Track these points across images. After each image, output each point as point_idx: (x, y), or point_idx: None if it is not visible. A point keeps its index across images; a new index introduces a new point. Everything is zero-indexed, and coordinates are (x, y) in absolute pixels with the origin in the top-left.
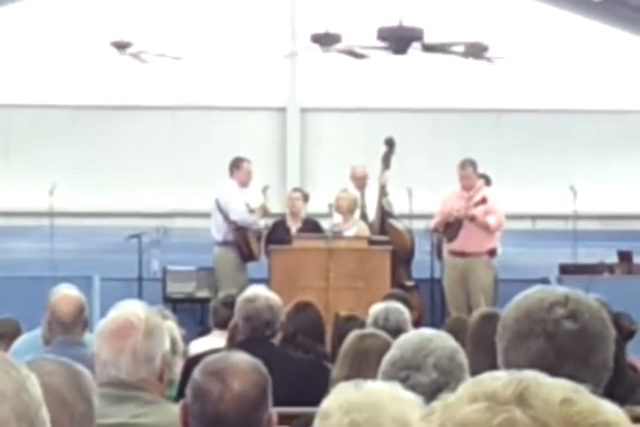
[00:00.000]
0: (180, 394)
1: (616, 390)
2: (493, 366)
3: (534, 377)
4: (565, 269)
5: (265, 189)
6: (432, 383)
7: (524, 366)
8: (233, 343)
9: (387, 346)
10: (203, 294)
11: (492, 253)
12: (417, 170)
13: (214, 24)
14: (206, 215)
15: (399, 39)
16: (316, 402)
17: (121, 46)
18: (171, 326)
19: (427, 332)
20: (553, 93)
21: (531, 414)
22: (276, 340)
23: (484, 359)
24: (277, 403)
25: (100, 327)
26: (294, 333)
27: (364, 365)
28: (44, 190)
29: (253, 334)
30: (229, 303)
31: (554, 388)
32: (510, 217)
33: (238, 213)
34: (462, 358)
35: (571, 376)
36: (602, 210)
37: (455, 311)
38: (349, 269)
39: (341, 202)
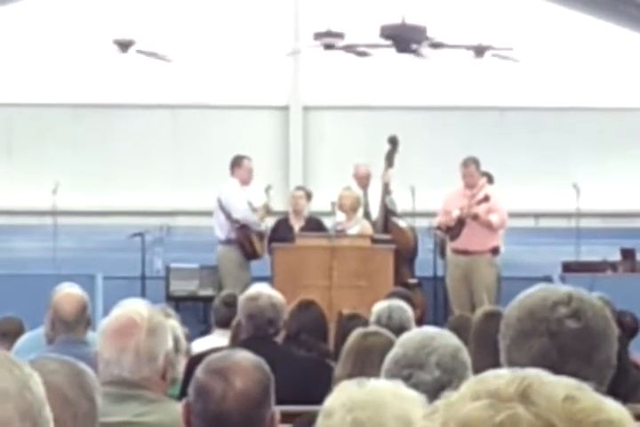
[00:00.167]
0: (183, 393)
1: (619, 388)
2: (496, 365)
3: (537, 375)
4: (568, 267)
5: (268, 189)
6: (435, 382)
7: (526, 364)
8: (236, 342)
9: (390, 344)
10: (206, 292)
11: (495, 251)
12: (420, 168)
13: (217, 22)
14: (209, 214)
15: (402, 37)
16: (318, 400)
17: (123, 44)
18: (173, 325)
19: (429, 330)
20: (556, 91)
21: (534, 411)
22: (279, 338)
23: (486, 357)
24: (280, 401)
25: (102, 326)
26: (297, 331)
27: (367, 363)
28: (47, 189)
29: (256, 333)
30: (231, 303)
31: (557, 385)
32: (513, 215)
33: (240, 212)
34: (465, 356)
35: (574, 375)
36: (605, 208)
37: (458, 309)
38: (352, 267)
39: (344, 200)
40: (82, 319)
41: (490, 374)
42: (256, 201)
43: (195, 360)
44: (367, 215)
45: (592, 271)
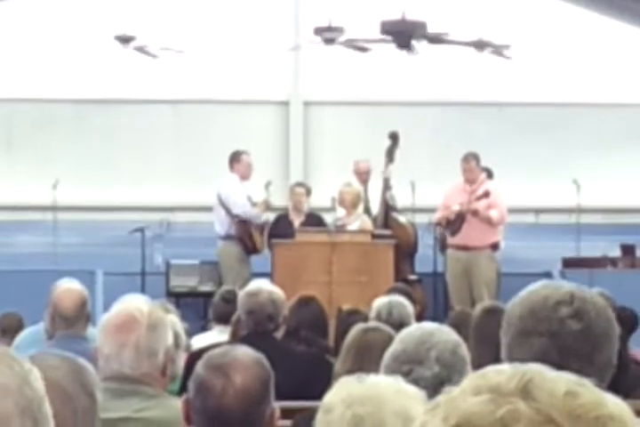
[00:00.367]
0: (183, 388)
1: (619, 384)
2: (496, 360)
3: (538, 370)
4: (568, 263)
5: (268, 185)
6: (434, 377)
7: (527, 363)
8: (236, 337)
9: (390, 340)
10: (206, 287)
11: (495, 246)
12: (420, 163)
13: (217, 17)
14: (209, 209)
15: (402, 33)
16: (318, 396)
17: (124, 40)
18: (173, 320)
19: (428, 325)
20: (556, 87)
21: (534, 406)
22: (279, 334)
23: (486, 353)
24: (280, 397)
25: (102, 322)
26: (297, 327)
27: (368, 358)
28: (48, 184)
29: (256, 328)
30: (230, 299)
31: (558, 381)
32: (513, 211)
33: (240, 207)
34: (464, 351)
35: (574, 375)
36: (605, 203)
37: (458, 305)
38: (352, 263)
39: (345, 196)
40: (82, 315)
41: (491, 370)
42: (255, 196)
43: (194, 356)
44: (367, 211)
45: (592, 267)
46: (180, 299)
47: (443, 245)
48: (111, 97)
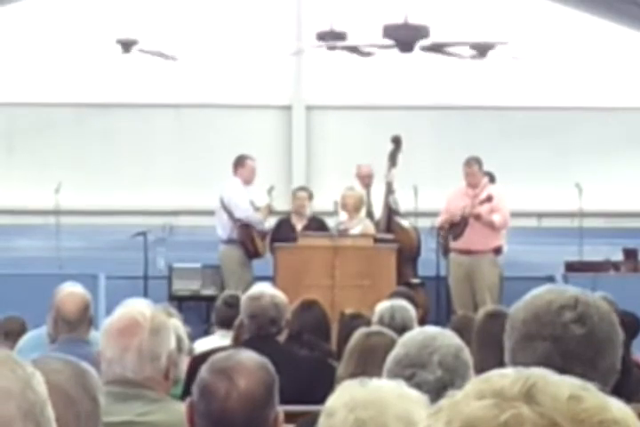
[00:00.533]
0: (186, 392)
1: (623, 388)
2: (499, 364)
3: (542, 374)
4: (571, 267)
5: (270, 190)
6: (437, 381)
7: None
8: (238, 341)
9: (393, 344)
10: (208, 291)
11: (498, 250)
12: (423, 168)
13: (220, 22)
14: (212, 213)
15: (405, 37)
16: (321, 400)
17: (126, 44)
18: (176, 324)
19: (431, 329)
20: (559, 91)
21: (538, 410)
22: (282, 338)
23: (489, 357)
24: (283, 401)
25: (105, 325)
26: (300, 331)
27: (370, 362)
28: (50, 188)
29: (259, 332)
30: (232, 303)
31: (562, 385)
32: (516, 215)
33: (243, 211)
34: (467, 355)
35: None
36: (607, 207)
37: (461, 309)
38: (355, 267)
39: (347, 200)
40: (84, 319)
41: (494, 374)
42: (258, 201)
43: (197, 360)
44: (370, 215)
45: (595, 271)
46: (182, 303)
47: (445, 249)
48: (112, 101)
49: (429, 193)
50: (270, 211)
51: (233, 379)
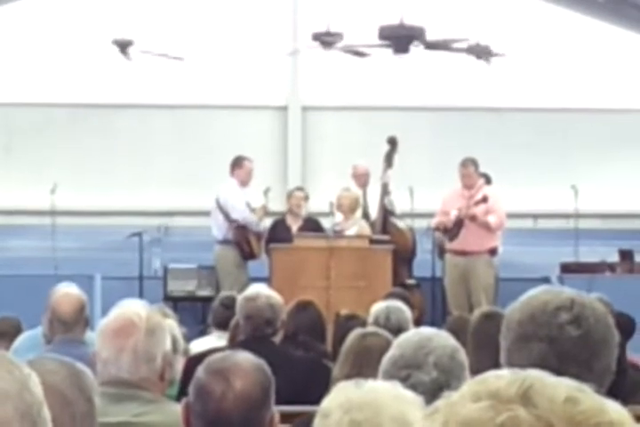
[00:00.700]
0: (181, 393)
1: (618, 390)
2: (494, 365)
3: (538, 376)
4: (567, 268)
5: (267, 191)
6: (432, 382)
7: (526, 368)
8: (234, 342)
9: (388, 345)
10: (204, 292)
11: (493, 251)
12: (418, 168)
13: (216, 22)
14: (207, 214)
15: (400, 38)
16: (316, 401)
17: (122, 44)
18: (171, 325)
19: (426, 331)
20: (555, 92)
21: (534, 412)
22: (277, 339)
23: (484, 358)
24: (278, 402)
25: (101, 326)
26: (295, 331)
27: (366, 364)
28: (46, 189)
29: (254, 333)
30: (229, 304)
31: (558, 387)
32: (511, 216)
33: (240, 212)
34: (463, 356)
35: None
36: (603, 208)
37: (456, 310)
38: (350, 268)
39: (343, 201)
40: (80, 319)
41: (491, 375)
42: (254, 202)
43: (192, 361)
44: (366, 216)
45: (590, 272)
46: (177, 303)
47: (441, 251)
48: (109, 102)
49: (425, 194)
50: (266, 212)
51: (229, 380)
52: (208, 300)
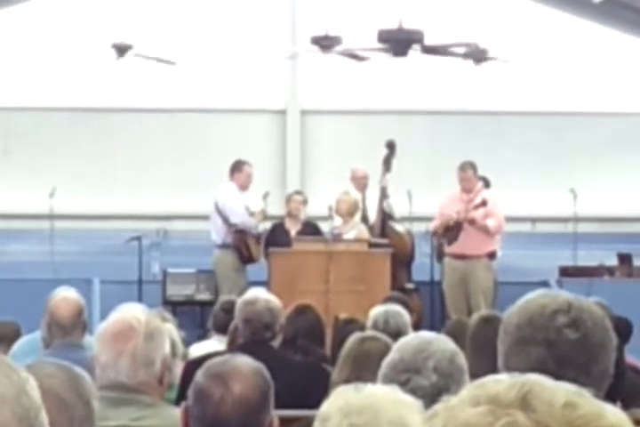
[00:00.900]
0: (180, 397)
1: (617, 393)
2: (493, 369)
3: (537, 380)
4: (565, 272)
5: (265, 196)
6: (432, 386)
7: (524, 372)
8: (233, 346)
9: (387, 349)
10: (203, 296)
11: (492, 255)
12: (417, 172)
13: (214, 26)
14: (206, 218)
15: (399, 41)
16: (315, 405)
17: (121, 49)
18: (170, 329)
19: (426, 335)
20: (553, 96)
21: (533, 417)
22: (276, 343)
23: (483, 362)
24: (277, 406)
25: (99, 330)
26: (294, 335)
27: (365, 368)
28: (44, 193)
29: (253, 337)
30: (229, 309)
31: (557, 391)
32: (510, 219)
33: (239, 216)
34: (462, 360)
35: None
36: (602, 212)
37: (455, 314)
38: (349, 272)
39: (341, 205)
40: (78, 323)
41: (490, 379)
42: (253, 206)
43: (192, 365)
44: (365, 219)
45: (589, 276)
46: (176, 307)
47: (440, 254)
48: (108, 106)
49: (423, 198)
50: (265, 216)
51: (228, 384)
52: (207, 304)
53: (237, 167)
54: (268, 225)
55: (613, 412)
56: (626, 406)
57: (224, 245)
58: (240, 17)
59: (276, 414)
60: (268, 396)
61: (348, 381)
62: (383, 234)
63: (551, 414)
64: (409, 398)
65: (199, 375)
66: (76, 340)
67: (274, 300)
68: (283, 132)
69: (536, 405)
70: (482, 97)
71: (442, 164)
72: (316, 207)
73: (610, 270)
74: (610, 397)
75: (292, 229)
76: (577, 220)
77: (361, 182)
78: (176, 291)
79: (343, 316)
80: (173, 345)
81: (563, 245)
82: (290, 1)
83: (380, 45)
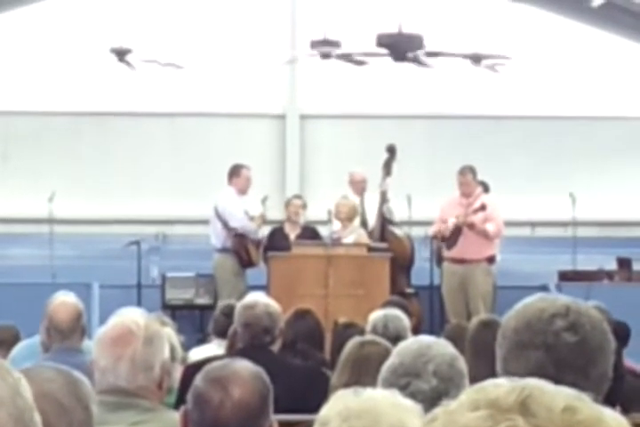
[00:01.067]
0: (179, 401)
1: (616, 396)
2: (492, 373)
3: (537, 385)
4: (565, 276)
5: (264, 200)
6: (432, 390)
7: (523, 376)
8: (232, 350)
9: (387, 353)
10: (202, 300)
11: (492, 259)
12: (416, 177)
13: (214, 31)
14: (205, 222)
15: (398, 46)
16: (314, 409)
17: (120, 53)
18: (169, 333)
19: (426, 339)
20: (552, 100)
21: (533, 422)
22: (276, 347)
23: (483, 366)
24: (277, 410)
25: (99, 334)
26: (293, 340)
27: (364, 372)
28: (44, 197)
29: (252, 341)
30: (230, 313)
31: (556, 396)
32: (509, 224)
33: (238, 221)
34: (462, 364)
35: (570, 388)
36: (601, 217)
37: (454, 318)
38: (349, 276)
39: (341, 209)
40: (77, 328)
41: (489, 384)
42: (252, 211)
43: (191, 369)
44: (364, 224)
45: (588, 280)
46: (175, 311)
47: (439, 259)
48: (107, 110)
49: (423, 202)
50: (264, 220)
51: (227, 388)
52: (206, 308)
53: (235, 171)
54: (267, 230)
55: (613, 416)
56: (625, 411)
57: (224, 250)
58: (240, 22)
59: (275, 418)
60: (267, 400)
61: (347, 385)
62: (383, 238)
63: (551, 419)
64: (409, 403)
65: (198, 380)
66: (75, 344)
67: (273, 304)
68: (282, 136)
69: (535, 409)
70: (481, 101)
71: (441, 168)
72: (315, 212)
73: (609, 275)
74: (609, 400)
75: (292, 233)
76: (576, 224)
77: (359, 186)
78: (175, 295)
79: (342, 320)
80: (172, 349)
81: (562, 250)
82: (289, 5)
83: (380, 50)
